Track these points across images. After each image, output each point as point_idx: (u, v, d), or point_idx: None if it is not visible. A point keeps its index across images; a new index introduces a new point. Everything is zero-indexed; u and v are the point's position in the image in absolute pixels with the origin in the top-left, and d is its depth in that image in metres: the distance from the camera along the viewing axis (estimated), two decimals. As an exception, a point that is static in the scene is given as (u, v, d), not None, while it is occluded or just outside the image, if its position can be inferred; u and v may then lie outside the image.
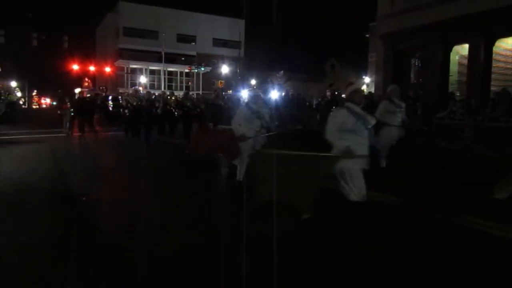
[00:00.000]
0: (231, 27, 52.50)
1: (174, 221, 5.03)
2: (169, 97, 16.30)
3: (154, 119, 13.15)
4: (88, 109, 14.98)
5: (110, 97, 22.88)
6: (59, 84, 50.65)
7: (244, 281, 3.35)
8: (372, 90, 24.32)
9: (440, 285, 3.38)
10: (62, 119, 15.89)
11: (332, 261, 3.81)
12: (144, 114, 12.53)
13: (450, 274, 3.56)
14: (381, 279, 3.45)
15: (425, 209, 5.47)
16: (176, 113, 13.71)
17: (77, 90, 15.80)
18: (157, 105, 14.06)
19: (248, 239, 4.30)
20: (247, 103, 7.03)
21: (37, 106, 60.16)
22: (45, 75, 52.71)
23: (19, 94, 56.11)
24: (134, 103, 13.14)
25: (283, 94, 24.60)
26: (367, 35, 36.68)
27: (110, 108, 20.82)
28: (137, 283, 3.36)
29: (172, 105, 14.26)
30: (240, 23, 53.64)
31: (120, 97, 22.61)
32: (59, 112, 16.01)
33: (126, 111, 13.85)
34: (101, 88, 16.31)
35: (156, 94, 22.51)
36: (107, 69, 46.20)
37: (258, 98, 6.98)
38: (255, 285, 3.30)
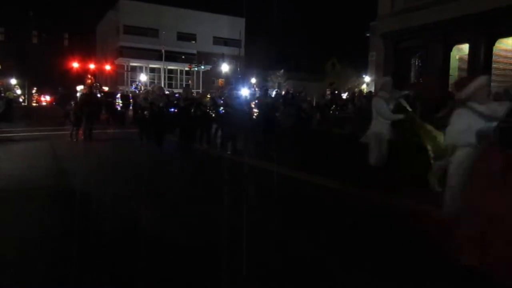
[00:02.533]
0: (232, 26, 52.48)
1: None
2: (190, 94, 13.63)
3: (195, 124, 11.31)
4: (95, 108, 13.62)
5: (118, 95, 21.28)
6: (59, 82, 50.63)
7: (243, 277, 3.37)
8: (372, 89, 24.32)
9: (438, 284, 3.40)
10: (66, 119, 14.44)
11: (331, 258, 3.83)
12: (182, 117, 10.74)
13: (449, 273, 3.57)
14: (378, 277, 3.47)
15: (426, 209, 5.47)
16: (213, 115, 11.76)
17: (79, 88, 14.68)
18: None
19: (248, 236, 4.32)
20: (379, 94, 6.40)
21: (37, 104, 60.11)
22: (45, 73, 52.67)
23: (19, 91, 56.07)
24: (161, 104, 11.15)
25: (283, 92, 24.50)
26: (368, 34, 36.71)
27: (119, 108, 19.57)
28: (138, 281, 3.37)
29: (208, 105, 11.98)
30: (241, 22, 53.64)
31: (130, 95, 20.74)
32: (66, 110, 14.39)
33: (146, 112, 11.83)
34: (95, 84, 15.24)
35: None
36: (107, 67, 46.22)
37: (388, 85, 6.47)
38: (255, 279, 3.32)
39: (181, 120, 10.87)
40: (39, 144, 12.30)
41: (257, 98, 12.68)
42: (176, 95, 15.92)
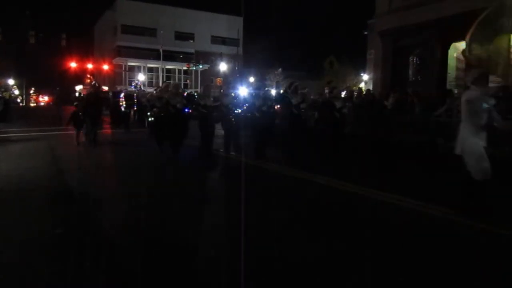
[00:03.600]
0: (230, 25, 52.44)
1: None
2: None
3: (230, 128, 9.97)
4: (100, 109, 12.10)
5: (121, 95, 19.89)
6: (58, 82, 50.61)
7: (240, 276, 3.36)
8: (371, 87, 24.32)
9: (436, 282, 3.39)
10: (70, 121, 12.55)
11: (326, 256, 3.81)
12: (208, 120, 9.25)
13: (451, 273, 3.56)
14: (376, 275, 3.46)
15: (427, 206, 5.47)
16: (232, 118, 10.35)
17: (78, 88, 14.16)
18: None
19: (246, 235, 4.31)
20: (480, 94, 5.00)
21: (35, 104, 60.11)
22: (43, 73, 52.58)
23: (17, 92, 56.01)
24: (178, 105, 9.53)
25: (281, 91, 24.34)
26: (366, 33, 36.62)
27: (122, 108, 18.34)
28: (135, 280, 3.36)
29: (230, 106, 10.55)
30: (239, 21, 53.64)
31: (135, 95, 19.46)
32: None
33: (150, 114, 10.72)
34: (93, 83, 14.40)
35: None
36: (105, 67, 46.13)
37: (485, 79, 5.17)
38: (254, 279, 3.31)
39: (207, 123, 9.26)
40: (37, 144, 12.24)
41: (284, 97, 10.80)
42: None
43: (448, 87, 15.89)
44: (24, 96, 59.92)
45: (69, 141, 12.34)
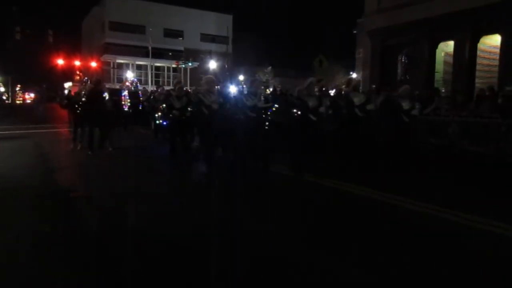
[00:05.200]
0: (219, 22, 52.26)
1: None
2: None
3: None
4: (103, 108, 9.88)
5: (124, 92, 17.57)
6: (45, 79, 49.86)
7: (235, 278, 3.36)
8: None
9: (436, 282, 3.41)
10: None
11: (326, 258, 3.83)
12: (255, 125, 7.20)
13: (451, 273, 3.59)
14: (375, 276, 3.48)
15: (415, 204, 5.51)
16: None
17: (67, 85, 13.60)
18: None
19: (244, 237, 4.31)
20: None
21: (22, 102, 59.24)
22: (30, 70, 51.78)
23: (2, 89, 55.11)
24: (213, 105, 7.05)
25: (271, 90, 24.33)
26: (355, 32, 36.75)
27: (125, 108, 16.21)
28: (126, 280, 3.34)
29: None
30: (228, 18, 53.50)
31: (140, 93, 17.61)
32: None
33: (158, 116, 9.10)
34: (85, 79, 13.03)
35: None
36: (93, 64, 45.56)
37: None
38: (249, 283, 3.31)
39: (260, 130, 7.33)
40: (24, 143, 12.06)
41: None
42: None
43: (435, 85, 16.09)
44: (10, 93, 58.95)
45: (56, 139, 12.17)
